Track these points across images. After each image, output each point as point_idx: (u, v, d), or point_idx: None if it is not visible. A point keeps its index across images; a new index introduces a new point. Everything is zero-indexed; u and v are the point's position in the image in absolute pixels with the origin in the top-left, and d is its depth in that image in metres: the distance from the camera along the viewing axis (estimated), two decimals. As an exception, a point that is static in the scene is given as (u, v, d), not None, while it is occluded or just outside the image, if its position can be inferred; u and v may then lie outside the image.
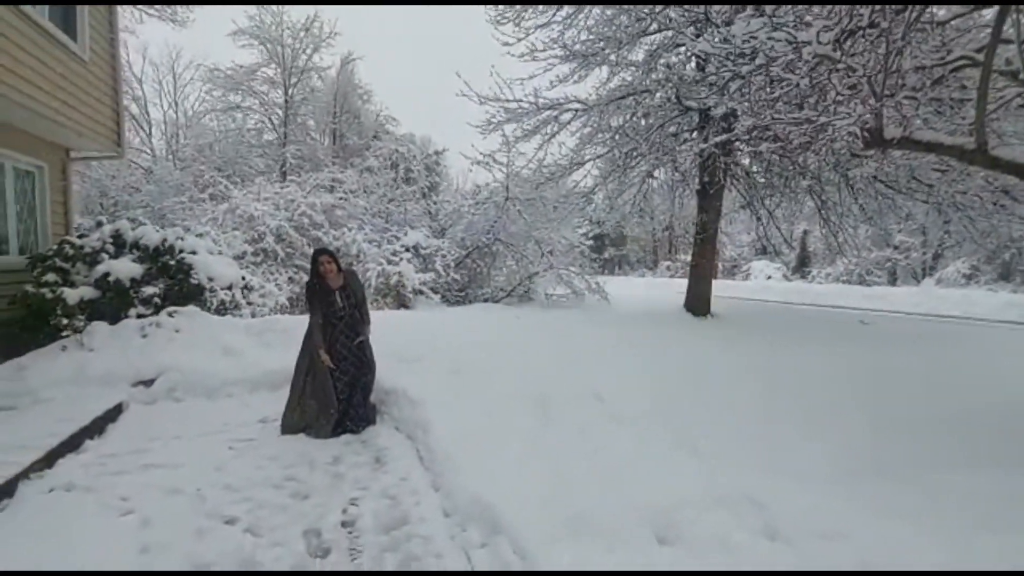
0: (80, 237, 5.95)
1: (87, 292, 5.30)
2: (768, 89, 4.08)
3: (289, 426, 3.84)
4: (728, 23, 7.74)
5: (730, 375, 5.01)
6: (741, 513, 2.23)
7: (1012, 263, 20.62)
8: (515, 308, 11.19)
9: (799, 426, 3.66)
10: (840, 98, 3.34)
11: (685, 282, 12.04)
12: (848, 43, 3.13)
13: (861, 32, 3.02)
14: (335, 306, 3.93)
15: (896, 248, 24.83)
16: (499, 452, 2.97)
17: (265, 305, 7.62)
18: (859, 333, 9.07)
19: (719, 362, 5.66)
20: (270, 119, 24.41)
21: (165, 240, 5.80)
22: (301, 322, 6.18)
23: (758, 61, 3.55)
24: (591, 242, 16.40)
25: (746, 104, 3.80)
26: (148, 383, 4.63)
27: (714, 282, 11.68)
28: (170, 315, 5.36)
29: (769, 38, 3.06)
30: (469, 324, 7.91)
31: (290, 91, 23.85)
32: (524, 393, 3.89)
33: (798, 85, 3.65)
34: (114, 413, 4.14)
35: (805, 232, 30.09)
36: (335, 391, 3.83)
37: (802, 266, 31.23)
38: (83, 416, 3.83)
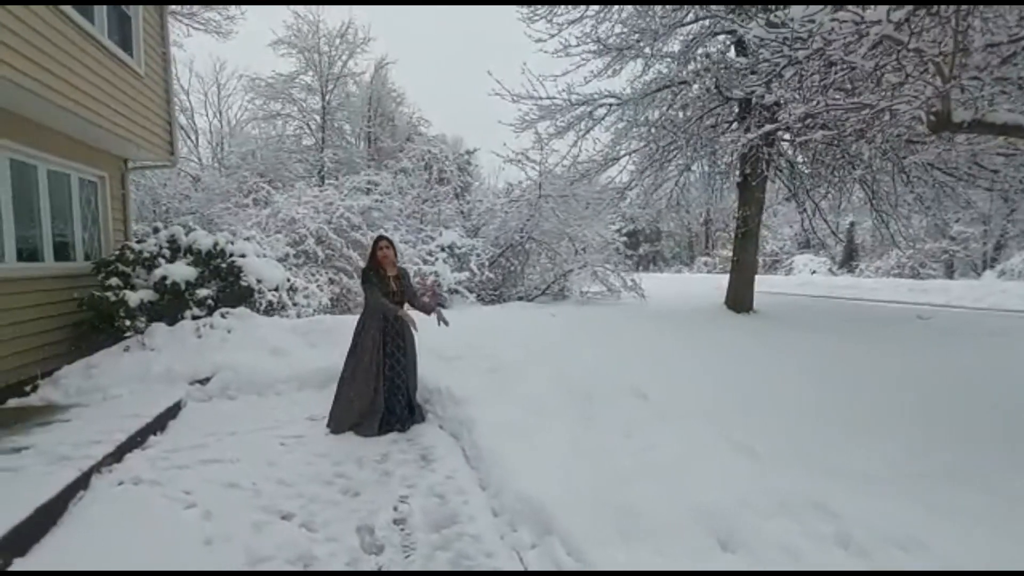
0: (138, 243, 6.26)
1: (146, 295, 5.57)
2: (820, 75, 3.90)
3: (337, 424, 3.94)
4: (785, 5, 7.50)
5: (777, 373, 4.82)
6: (807, 519, 2.13)
7: (1086, 252, 19.16)
8: (550, 306, 11.16)
9: (856, 426, 3.48)
10: (909, 79, 3.16)
11: (724, 278, 11.71)
12: (915, 21, 2.95)
13: (936, 10, 2.84)
14: (389, 288, 3.99)
15: (953, 239, 23.45)
16: (544, 450, 2.95)
17: (309, 306, 7.84)
18: (917, 329, 8.60)
19: (764, 360, 5.46)
20: (308, 125, 25.11)
21: (216, 244, 6.04)
22: (344, 322, 6.34)
23: (815, 45, 3.39)
24: (625, 239, 16.19)
25: (797, 92, 3.64)
26: (204, 381, 4.83)
27: (761, 277, 11.30)
28: (222, 316, 5.58)
29: (832, 19, 2.91)
30: (506, 322, 7.93)
31: (327, 97, 24.48)
32: (566, 391, 3.85)
33: (853, 68, 3.48)
34: (175, 410, 4.34)
35: (852, 224, 28.73)
36: (382, 390, 3.90)
37: (849, 260, 29.93)
38: (147, 413, 4.02)
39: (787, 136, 9.71)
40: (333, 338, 5.59)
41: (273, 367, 5.00)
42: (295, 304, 7.26)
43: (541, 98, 10.46)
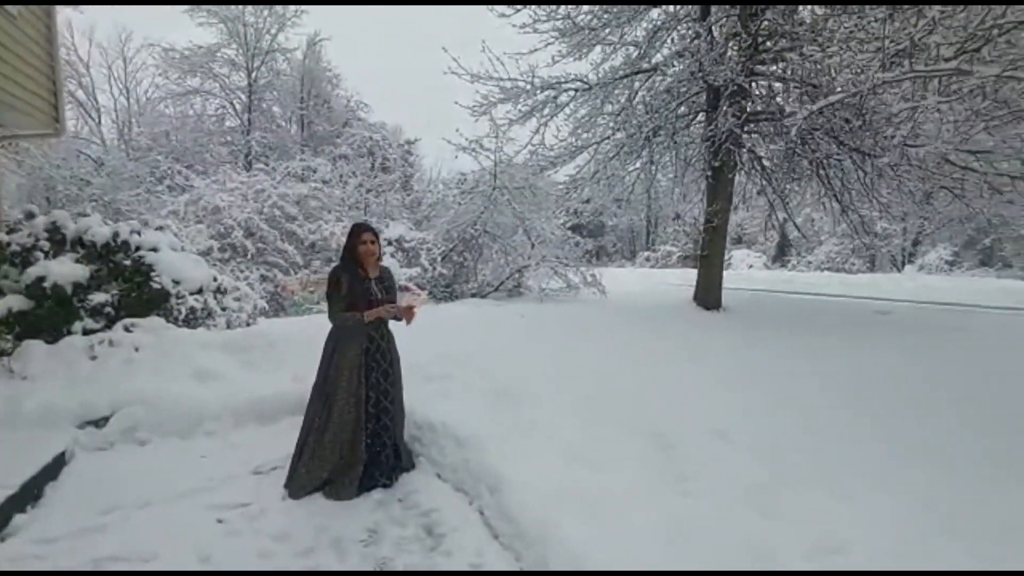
0: (9, 232, 4.77)
1: (16, 302, 4.16)
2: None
3: (299, 486, 2.85)
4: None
5: (806, 389, 4.16)
6: None
7: (993, 248, 20.88)
8: (509, 304, 10.36)
9: (964, 462, 2.75)
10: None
11: (670, 272, 11.47)
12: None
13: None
14: (371, 294, 2.97)
15: (877, 235, 24.91)
16: (634, 536, 2.06)
17: (242, 310, 6.51)
18: (884, 325, 8.54)
19: (779, 371, 4.79)
20: (232, 104, 22.70)
21: (117, 235, 4.68)
22: (292, 331, 5.16)
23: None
24: (568, 232, 15.73)
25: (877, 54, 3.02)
26: (101, 422, 3.56)
27: (697, 272, 11.06)
28: (127, 329, 4.28)
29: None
30: (475, 325, 7.03)
31: (253, 74, 22.20)
32: (612, 428, 2.99)
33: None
34: (54, 469, 3.09)
35: (784, 221, 29.89)
36: (363, 436, 2.87)
37: (781, 255, 31.30)
38: (11, 477, 2.78)
39: (762, 125, 9.47)
40: (279, 355, 4.45)
41: (200, 397, 3.80)
42: (224, 309, 5.95)
43: (503, 79, 9.66)
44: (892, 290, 16.13)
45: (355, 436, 2.84)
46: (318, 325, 5.30)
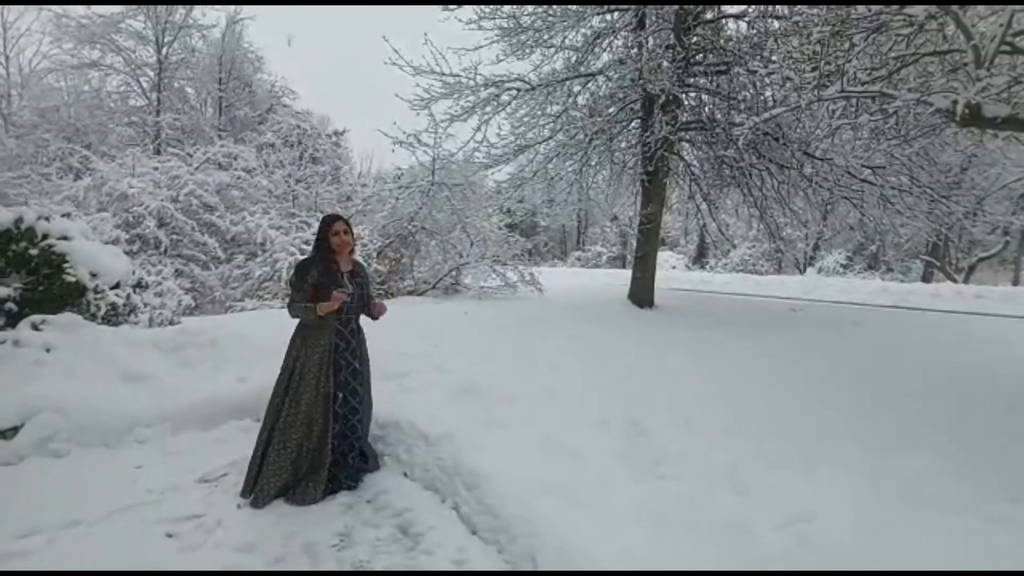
0: None
1: None
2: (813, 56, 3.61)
3: (261, 493, 2.64)
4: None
5: (765, 380, 4.34)
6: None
7: (878, 254, 23.52)
8: (448, 302, 10.31)
9: (905, 442, 3.04)
10: (936, 71, 2.92)
11: (600, 271, 11.93)
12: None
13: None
14: (342, 288, 2.81)
15: (784, 239, 27.25)
16: (613, 516, 2.11)
17: (165, 307, 5.97)
18: (802, 321, 9.33)
19: (735, 364, 4.98)
20: (138, 82, 20.67)
21: (20, 220, 4.12)
22: (240, 328, 4.79)
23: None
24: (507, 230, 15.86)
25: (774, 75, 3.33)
26: (8, 433, 3.12)
27: (625, 272, 11.66)
28: (35, 327, 3.79)
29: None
30: (423, 322, 6.92)
31: (164, 50, 20.35)
32: (583, 418, 3.06)
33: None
34: (-47, 487, 2.69)
35: (703, 226, 31.85)
36: (329, 437, 2.73)
37: (700, 256, 33.39)
38: None
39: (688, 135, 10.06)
40: (219, 354, 4.13)
41: (129, 401, 3.44)
42: (146, 306, 5.43)
43: (445, 74, 9.58)
44: (798, 290, 17.68)
45: (322, 437, 2.70)
46: (264, 321, 5.02)
